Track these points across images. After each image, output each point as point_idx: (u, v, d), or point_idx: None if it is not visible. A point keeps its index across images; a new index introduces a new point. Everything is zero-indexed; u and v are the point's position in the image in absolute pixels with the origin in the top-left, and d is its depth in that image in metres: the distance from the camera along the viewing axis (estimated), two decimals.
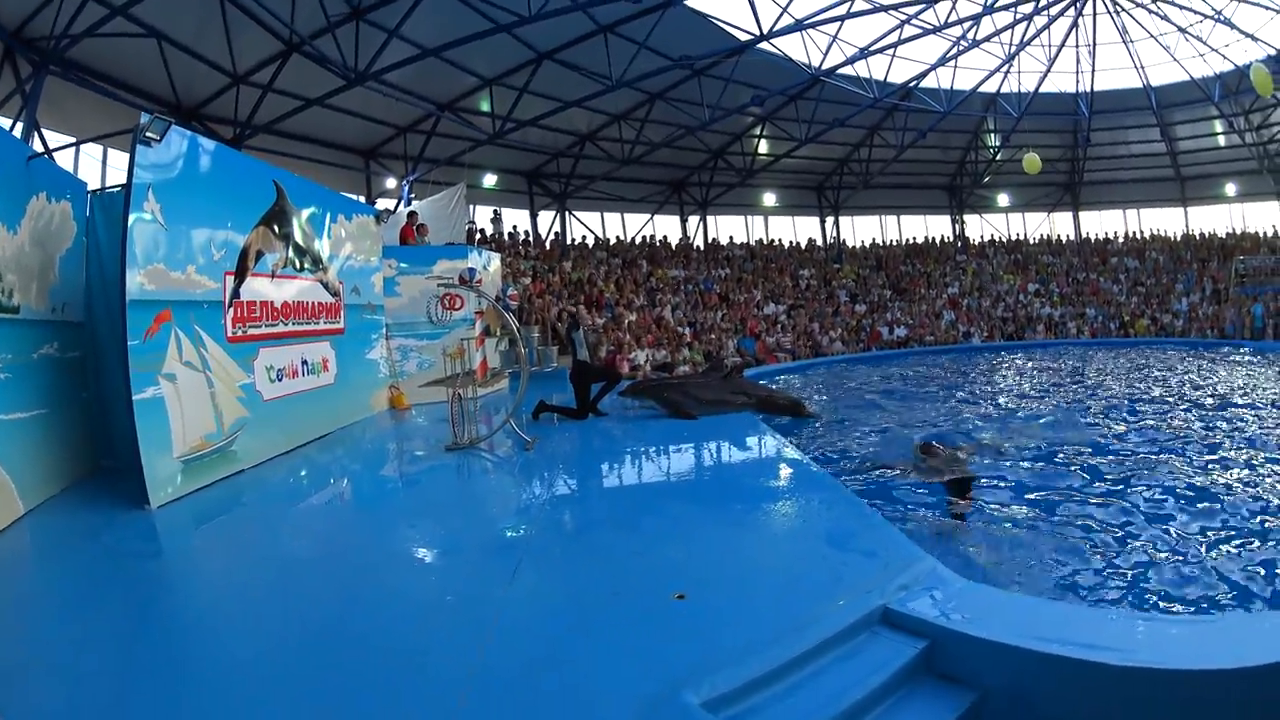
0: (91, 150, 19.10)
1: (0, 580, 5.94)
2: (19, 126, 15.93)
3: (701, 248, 38.31)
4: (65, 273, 9.28)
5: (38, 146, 15.86)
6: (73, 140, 17.50)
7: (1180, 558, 6.37)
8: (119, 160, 18.96)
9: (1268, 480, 8.59)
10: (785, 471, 8.75)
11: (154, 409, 7.91)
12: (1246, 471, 8.97)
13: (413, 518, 7.37)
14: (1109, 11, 27.61)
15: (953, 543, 6.85)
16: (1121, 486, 8.48)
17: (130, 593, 5.54)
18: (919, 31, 27.27)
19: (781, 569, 5.33)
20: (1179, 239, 40.90)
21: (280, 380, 10.84)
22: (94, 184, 12.27)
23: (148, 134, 7.96)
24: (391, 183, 27.67)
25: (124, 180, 8.17)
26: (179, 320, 8.46)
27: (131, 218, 7.79)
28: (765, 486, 8.18)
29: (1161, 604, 5.59)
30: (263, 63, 19.69)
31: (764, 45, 24.22)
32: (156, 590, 5.70)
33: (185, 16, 17.16)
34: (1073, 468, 9.42)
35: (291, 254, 11.50)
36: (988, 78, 32.25)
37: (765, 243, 40.11)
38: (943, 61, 30.13)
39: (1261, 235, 38.09)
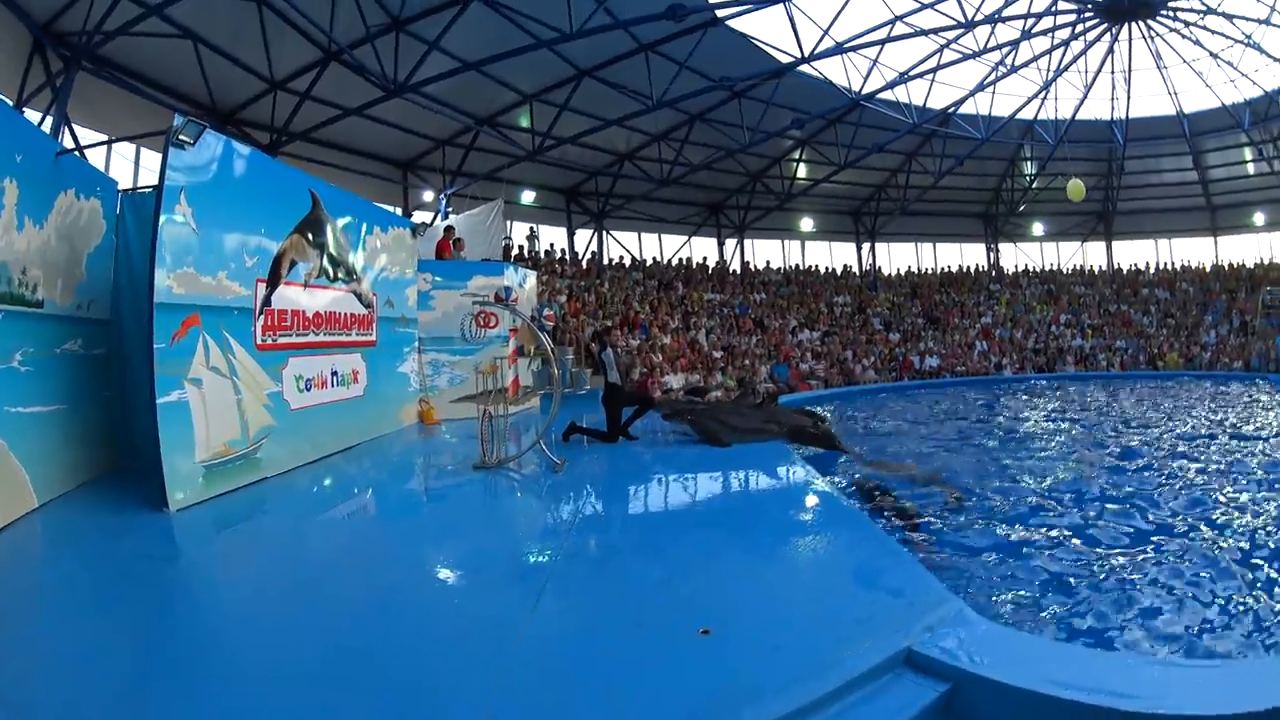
0: (124, 149, 19.21)
1: (7, 574, 5.92)
2: (49, 121, 15.94)
3: (738, 271, 38.25)
4: (93, 270, 9.32)
5: (68, 142, 16.01)
6: (104, 139, 17.62)
7: (1192, 598, 6.26)
8: (150, 160, 19.09)
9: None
10: (814, 504, 8.56)
11: (178, 412, 7.85)
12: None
13: (436, 537, 7.26)
14: (1144, 36, 27.52)
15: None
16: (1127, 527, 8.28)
17: (139, 596, 5.46)
18: (958, 56, 27.12)
19: (807, 605, 5.21)
20: (1209, 270, 40.67)
21: (309, 390, 10.75)
22: (126, 183, 12.32)
23: (181, 136, 7.95)
24: (429, 195, 27.69)
25: (155, 181, 8.13)
26: (208, 325, 8.41)
27: (162, 219, 7.75)
28: (793, 519, 7.96)
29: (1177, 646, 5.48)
30: (301, 70, 19.63)
31: (804, 68, 24.11)
32: (167, 595, 5.60)
33: (222, 19, 17.11)
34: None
35: (325, 264, 11.42)
36: (1025, 104, 32.07)
37: (801, 268, 40.06)
38: (981, 87, 30.02)
39: None
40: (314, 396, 10.88)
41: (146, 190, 10.17)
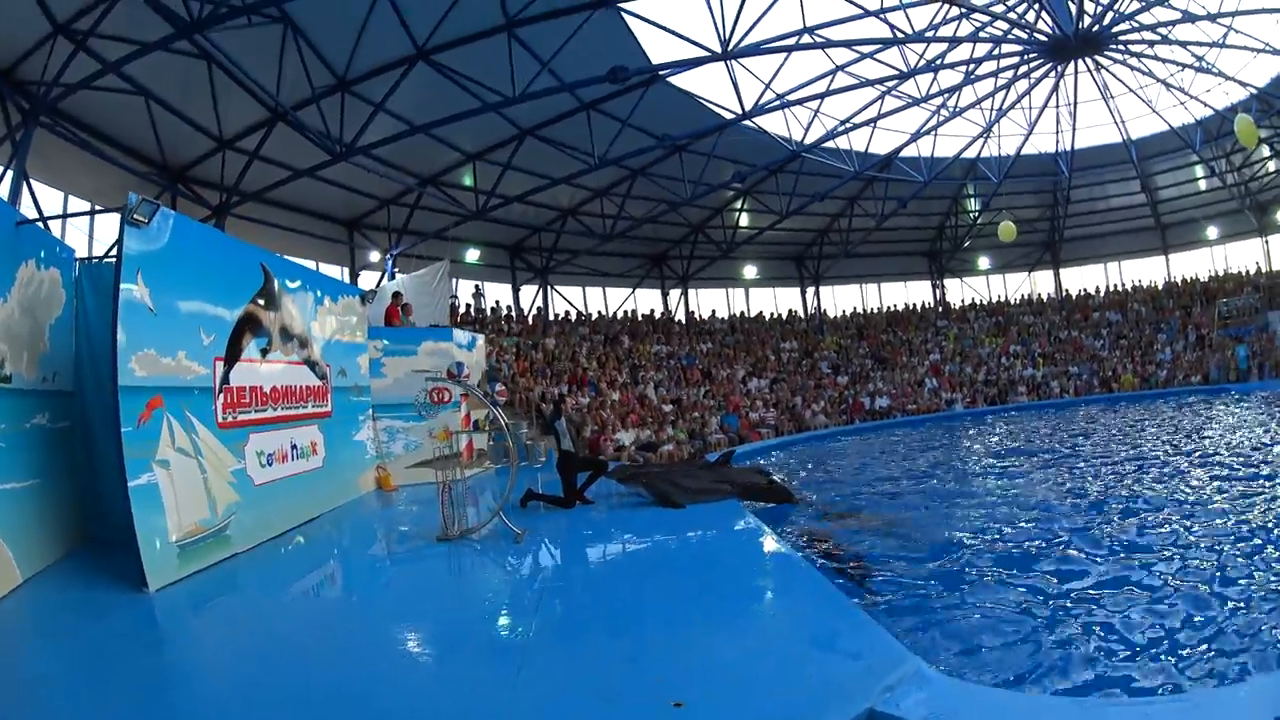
0: (78, 207, 19.15)
1: (8, 657, 6.04)
2: (8, 176, 15.95)
3: (683, 322, 38.64)
4: (55, 341, 9.39)
5: (27, 200, 16.24)
6: (61, 202, 17.98)
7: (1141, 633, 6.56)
8: (104, 222, 19.00)
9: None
10: (771, 566, 8.71)
11: (149, 494, 7.92)
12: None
13: (410, 615, 7.29)
14: (1089, 70, 27.86)
15: None
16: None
17: (132, 684, 5.53)
18: (901, 103, 27.68)
19: (771, 670, 5.30)
20: (1160, 287, 41.47)
21: (271, 465, 10.83)
22: (81, 245, 12.35)
23: (136, 216, 8.05)
24: (375, 256, 27.75)
25: (110, 246, 8.22)
26: (171, 407, 8.49)
27: (121, 302, 7.82)
28: (752, 582, 8.12)
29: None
30: (249, 129, 19.77)
31: (746, 121, 24.50)
32: (157, 684, 5.66)
33: (173, 76, 17.17)
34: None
35: (279, 338, 11.57)
36: (969, 145, 32.54)
37: (746, 315, 40.60)
38: (923, 133, 30.45)
39: (1244, 273, 38.66)
40: (276, 471, 10.96)
41: (103, 260, 10.25)
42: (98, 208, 18.70)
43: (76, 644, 6.34)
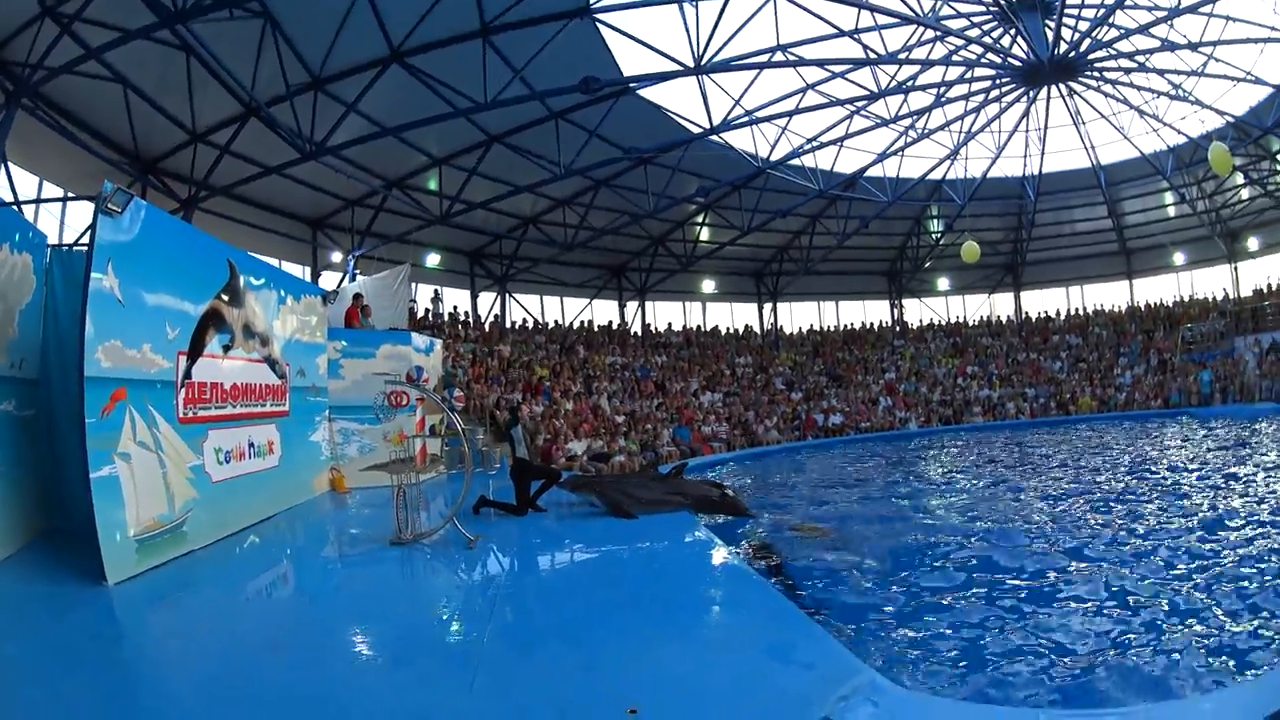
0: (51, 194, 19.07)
1: None
2: None
3: (639, 334, 38.75)
4: (24, 328, 9.32)
5: (2, 182, 16.12)
6: (36, 184, 17.69)
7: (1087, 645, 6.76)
8: (75, 210, 18.94)
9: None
10: (724, 577, 8.86)
11: (110, 487, 7.90)
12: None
13: (365, 620, 7.28)
14: (1062, 95, 27.99)
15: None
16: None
17: (92, 680, 5.54)
18: (870, 124, 27.82)
19: (726, 682, 5.36)
20: (1123, 311, 41.86)
21: (228, 462, 10.85)
22: (51, 232, 12.29)
23: (110, 205, 8.06)
24: (337, 256, 27.62)
25: (81, 234, 8.20)
26: (134, 399, 8.46)
27: (91, 291, 7.82)
28: (705, 593, 8.24)
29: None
30: (222, 123, 19.73)
31: (713, 136, 24.62)
32: (117, 681, 5.67)
33: (151, 66, 17.15)
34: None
35: (242, 335, 11.57)
36: (935, 167, 32.74)
37: (703, 329, 40.78)
38: (891, 153, 30.63)
39: (1211, 299, 39.00)
40: (233, 469, 10.98)
41: (74, 248, 10.24)
42: (70, 194, 18.64)
43: (35, 638, 6.34)
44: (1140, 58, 24.31)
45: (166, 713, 5.17)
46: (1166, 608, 7.54)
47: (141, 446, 8.57)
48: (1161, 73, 25.21)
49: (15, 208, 10.24)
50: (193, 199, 20.92)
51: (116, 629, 6.92)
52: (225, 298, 11.03)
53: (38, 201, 17.11)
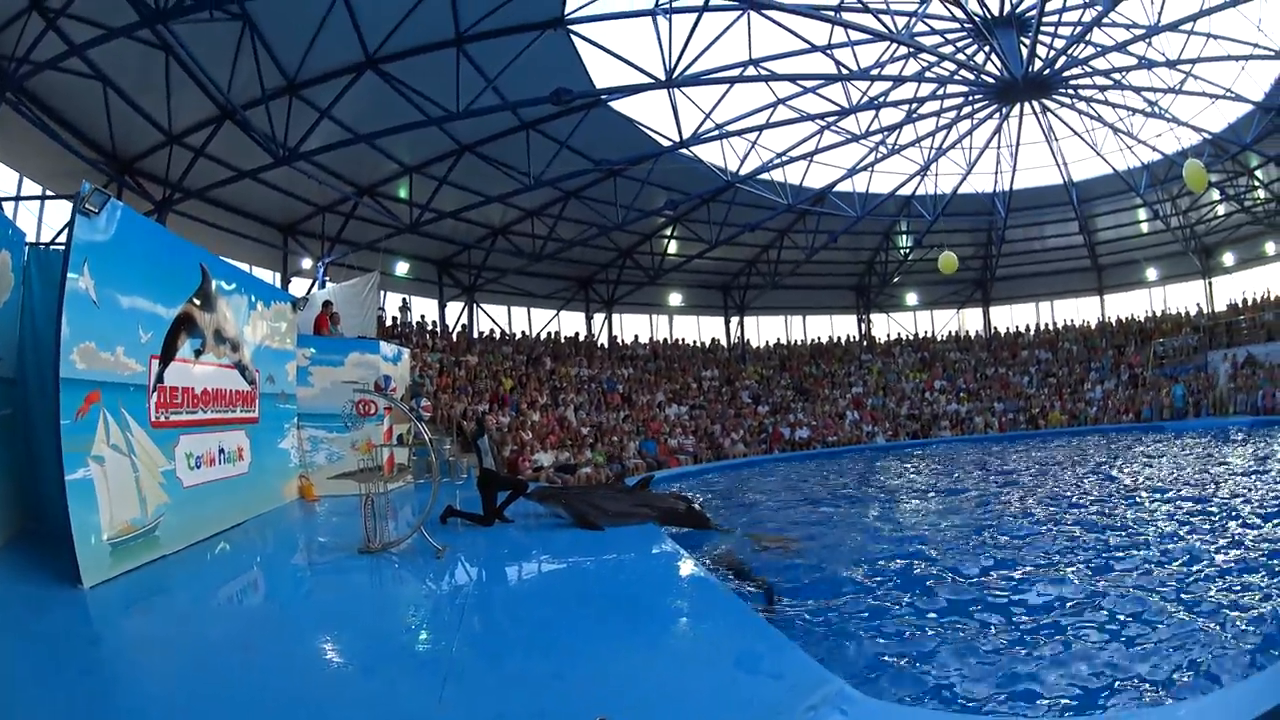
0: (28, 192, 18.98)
1: None
2: None
3: (606, 346, 38.80)
4: (2, 326, 9.26)
5: None
6: (14, 184, 17.51)
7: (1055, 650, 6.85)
8: (53, 209, 18.90)
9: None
10: (691, 590, 8.93)
11: (84, 490, 7.88)
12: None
13: (333, 627, 7.30)
14: (1035, 113, 28.28)
15: None
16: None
17: (68, 677, 5.60)
18: (840, 139, 28.00)
19: (696, 692, 5.40)
20: (1094, 326, 42.26)
21: (199, 468, 10.82)
22: (29, 230, 12.21)
23: (87, 205, 8.07)
24: (308, 263, 27.57)
25: (58, 233, 8.18)
26: (107, 402, 8.46)
27: (68, 292, 7.81)
28: (673, 606, 8.34)
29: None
30: (198, 125, 19.72)
31: (683, 149, 24.74)
32: (95, 685, 5.67)
33: (130, 65, 17.16)
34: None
35: (213, 340, 11.56)
36: (905, 182, 32.98)
37: (669, 342, 40.87)
38: (860, 168, 30.86)
39: (1183, 314, 39.47)
40: (204, 474, 10.95)
41: (50, 247, 10.21)
42: (48, 193, 18.57)
43: (12, 639, 6.36)
44: (1117, 75, 24.50)
45: (135, 712, 5.20)
46: (1146, 611, 7.70)
47: (115, 450, 8.57)
48: (1139, 90, 25.41)
49: None
50: (167, 201, 20.87)
51: (93, 631, 6.92)
52: (197, 302, 11.03)
53: (17, 199, 17.04)
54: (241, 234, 25.49)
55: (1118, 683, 6.16)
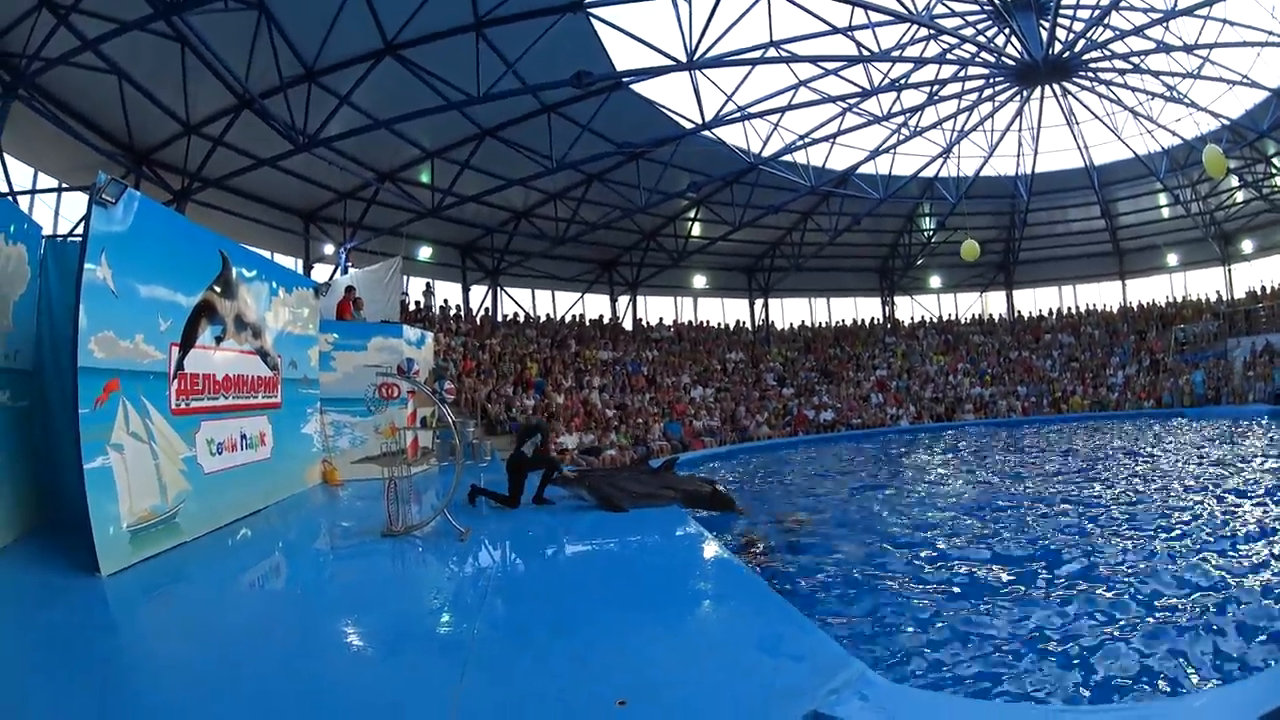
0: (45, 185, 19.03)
1: None
2: None
3: (630, 328, 38.72)
4: (19, 319, 9.30)
5: None
6: (31, 175, 17.64)
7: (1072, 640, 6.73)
8: (70, 201, 18.98)
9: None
10: (714, 571, 8.85)
11: (103, 478, 7.90)
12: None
13: (357, 610, 7.32)
14: (1055, 95, 28.42)
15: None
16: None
17: (87, 666, 5.57)
18: (862, 121, 27.91)
19: (715, 674, 5.35)
20: (1116, 311, 42.04)
21: (220, 454, 10.84)
22: (45, 223, 12.24)
23: (104, 195, 8.06)
24: (329, 249, 27.62)
25: (75, 225, 8.18)
26: (127, 390, 8.47)
27: (85, 282, 7.82)
28: (695, 588, 8.27)
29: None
30: (216, 115, 19.68)
31: (705, 132, 24.63)
32: (112, 673, 5.67)
33: (146, 57, 17.14)
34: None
35: (234, 326, 11.53)
36: (927, 164, 32.87)
37: (694, 324, 40.76)
38: (883, 150, 30.78)
39: (1204, 300, 39.33)
40: (225, 460, 10.97)
41: (68, 239, 10.22)
42: (65, 185, 18.62)
43: (30, 629, 6.37)
44: (1135, 59, 24.34)
45: (160, 702, 5.17)
46: (1163, 604, 7.57)
47: (134, 437, 8.58)
48: (1157, 74, 25.26)
49: (10, 199, 10.14)
50: (186, 190, 20.90)
51: (110, 619, 6.92)
52: (217, 289, 11.01)
53: (33, 192, 17.11)
54: (263, 221, 25.53)
55: (1154, 668, 6.10)
